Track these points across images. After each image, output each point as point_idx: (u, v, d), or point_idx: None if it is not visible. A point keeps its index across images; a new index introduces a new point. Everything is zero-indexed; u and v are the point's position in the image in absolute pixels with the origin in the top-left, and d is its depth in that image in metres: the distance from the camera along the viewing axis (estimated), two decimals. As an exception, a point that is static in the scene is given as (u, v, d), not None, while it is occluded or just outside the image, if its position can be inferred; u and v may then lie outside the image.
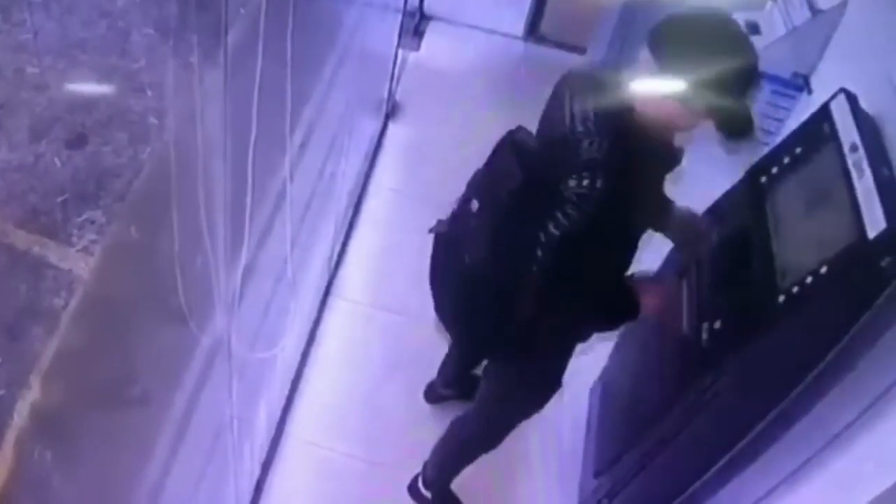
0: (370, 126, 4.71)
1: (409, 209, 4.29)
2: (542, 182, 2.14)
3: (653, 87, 2.08)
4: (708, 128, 2.13)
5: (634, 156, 2.07)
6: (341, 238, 4.15)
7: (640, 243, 2.34)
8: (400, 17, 4.76)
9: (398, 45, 4.92)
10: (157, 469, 2.34)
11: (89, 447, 2.01)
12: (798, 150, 2.52)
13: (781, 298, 2.20)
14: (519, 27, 5.78)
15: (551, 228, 2.09)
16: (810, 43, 3.16)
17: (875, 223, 2.03)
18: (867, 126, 2.33)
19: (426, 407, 3.58)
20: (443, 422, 3.12)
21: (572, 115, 2.16)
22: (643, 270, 2.66)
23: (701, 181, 2.60)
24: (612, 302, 2.41)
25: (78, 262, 3.11)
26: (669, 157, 2.24)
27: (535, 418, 3.00)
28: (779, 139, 2.91)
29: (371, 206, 4.45)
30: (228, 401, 2.47)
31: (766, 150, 2.82)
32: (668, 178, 2.37)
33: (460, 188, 2.47)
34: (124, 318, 2.08)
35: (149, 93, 3.71)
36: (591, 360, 3.35)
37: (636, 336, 3.13)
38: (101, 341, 2.08)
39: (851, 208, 2.12)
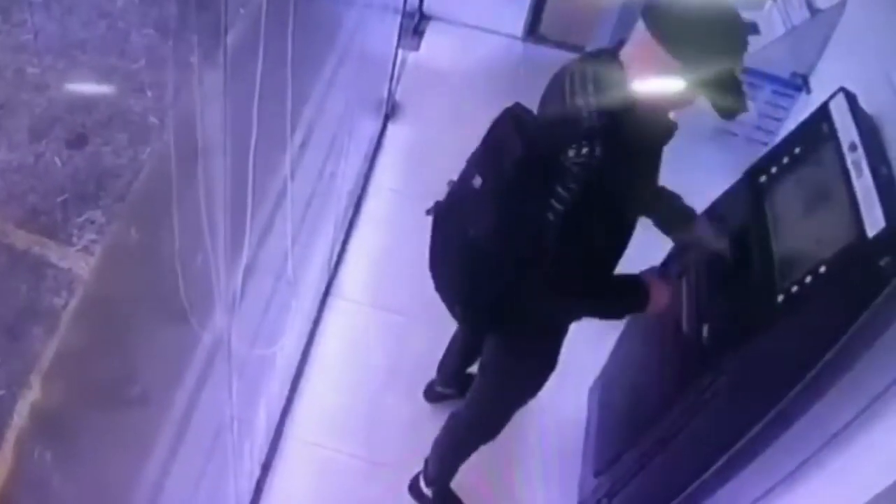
0: (370, 126, 4.72)
1: (409, 209, 4.27)
2: (542, 156, 2.16)
3: (646, 56, 2.09)
4: (701, 105, 2.15)
5: (632, 125, 2.09)
6: (341, 238, 4.16)
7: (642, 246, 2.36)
8: (399, 17, 4.76)
9: (398, 46, 4.92)
10: (157, 469, 2.34)
11: (89, 447, 2.01)
12: (797, 149, 2.52)
13: (780, 298, 2.20)
14: (518, 27, 5.79)
15: (554, 204, 2.12)
16: (809, 43, 3.17)
17: (874, 222, 2.03)
18: (866, 125, 2.34)
19: (426, 406, 3.58)
20: (442, 421, 3.12)
21: (571, 89, 2.19)
22: (652, 267, 2.68)
23: (700, 181, 2.61)
24: (622, 292, 2.43)
25: (78, 261, 3.11)
26: (665, 129, 2.25)
27: (536, 417, 3.01)
28: (778, 139, 2.92)
29: (371, 206, 4.46)
30: (228, 401, 2.47)
31: (765, 149, 2.82)
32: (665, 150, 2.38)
33: (460, 188, 2.48)
34: (124, 318, 2.08)
35: (149, 93, 3.72)
36: (590, 359, 3.36)
37: (635, 336, 3.13)
38: (102, 341, 2.08)
39: (850, 208, 2.13)
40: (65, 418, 2.01)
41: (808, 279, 2.14)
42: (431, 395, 3.58)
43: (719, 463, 2.54)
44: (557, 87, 2.27)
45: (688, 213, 2.63)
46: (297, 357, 3.63)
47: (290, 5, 2.17)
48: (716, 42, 2.05)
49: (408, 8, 5.04)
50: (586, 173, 2.07)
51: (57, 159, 3.53)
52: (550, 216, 2.13)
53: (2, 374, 2.60)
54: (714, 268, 2.57)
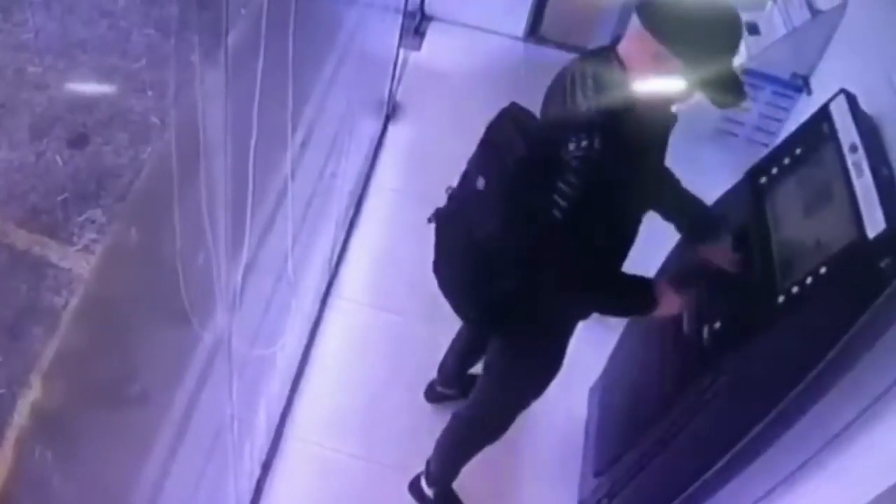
0: (371, 126, 4.72)
1: (410, 209, 4.28)
2: (544, 153, 2.17)
3: (642, 50, 2.12)
4: (701, 101, 2.16)
5: (631, 118, 2.11)
6: (342, 238, 4.16)
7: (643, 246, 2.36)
8: (401, 17, 4.76)
9: (399, 46, 4.92)
10: (158, 468, 2.34)
11: (90, 447, 2.01)
12: (798, 150, 2.52)
13: (781, 298, 2.20)
14: (519, 28, 5.79)
15: (557, 199, 2.13)
16: (810, 43, 3.17)
17: (874, 223, 2.03)
18: (867, 126, 2.34)
19: (427, 406, 3.58)
20: (443, 421, 3.12)
21: (571, 88, 2.21)
22: (669, 274, 2.68)
23: (701, 182, 2.60)
24: (629, 290, 2.43)
25: (78, 261, 3.10)
26: (664, 121, 2.26)
27: (537, 418, 3.01)
28: (778, 140, 2.92)
29: (372, 205, 4.46)
30: (229, 400, 2.47)
31: (765, 150, 2.82)
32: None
33: (461, 189, 2.48)
34: (125, 318, 2.07)
35: (150, 92, 3.71)
36: (591, 360, 3.36)
37: (636, 336, 3.13)
38: (102, 341, 2.07)
39: (851, 209, 2.13)
40: (65, 418, 2.00)
41: (809, 280, 2.14)
42: (432, 395, 3.58)
43: (720, 463, 2.54)
44: (558, 87, 2.29)
45: (698, 210, 2.63)
46: (298, 357, 3.63)
47: (292, 5, 2.17)
48: (709, 32, 2.08)
49: (409, 8, 5.04)
50: (586, 167, 2.08)
51: (58, 158, 3.53)
52: (556, 213, 2.14)
53: (2, 373, 2.59)
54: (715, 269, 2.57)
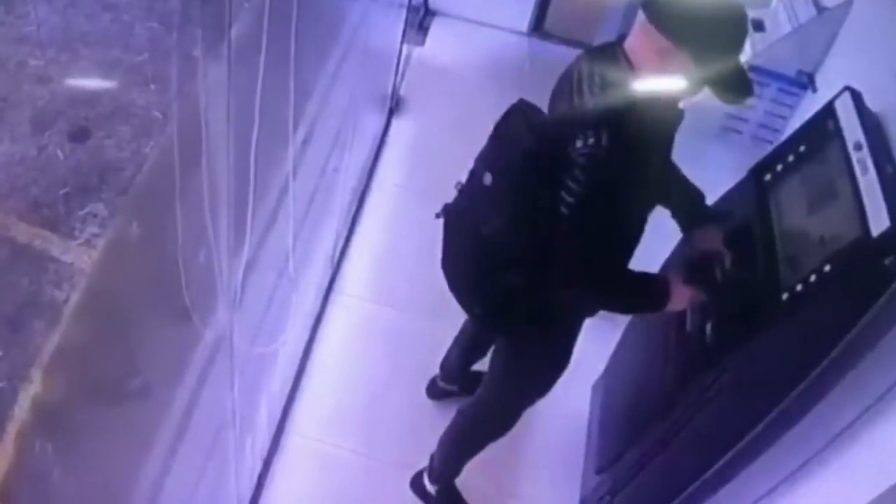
0: (374, 121, 4.71)
1: (413, 205, 4.28)
2: (552, 149, 2.17)
3: (648, 45, 2.11)
4: (707, 97, 2.16)
5: (638, 115, 2.10)
6: (345, 233, 4.15)
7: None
8: (404, 11, 4.75)
9: (403, 41, 4.91)
10: (159, 464, 2.34)
11: (90, 441, 2.01)
12: (802, 148, 2.51)
13: (785, 296, 2.20)
14: (524, 23, 5.78)
15: (565, 196, 2.13)
16: (815, 41, 3.16)
17: (879, 221, 2.03)
18: (872, 124, 2.33)
19: (428, 403, 3.57)
20: (445, 418, 3.12)
21: (578, 84, 2.21)
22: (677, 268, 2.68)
23: (705, 179, 2.60)
24: (639, 286, 2.42)
25: (80, 255, 3.10)
26: (671, 118, 2.25)
27: (539, 414, 3.00)
28: (783, 137, 2.91)
29: (375, 201, 4.45)
30: (230, 396, 2.47)
31: (770, 148, 2.81)
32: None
33: (464, 184, 2.47)
34: (126, 312, 2.07)
35: (152, 86, 3.71)
36: (594, 357, 3.35)
37: (639, 333, 3.13)
38: (103, 335, 2.07)
39: (855, 206, 2.12)
40: (66, 412, 2.00)
41: (813, 278, 2.13)
42: (434, 391, 3.58)
43: (722, 461, 2.54)
44: (565, 83, 2.28)
45: (703, 209, 2.63)
46: (299, 353, 3.62)
47: (294, -1, 2.16)
48: (716, 27, 2.07)
49: (413, 2, 5.03)
50: (593, 164, 2.08)
51: (59, 152, 3.53)
52: (563, 209, 2.14)
53: (3, 366, 2.59)
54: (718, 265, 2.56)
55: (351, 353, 3.75)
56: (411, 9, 4.99)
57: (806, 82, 3.22)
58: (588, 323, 2.65)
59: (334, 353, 3.73)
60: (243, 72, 1.85)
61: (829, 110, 2.46)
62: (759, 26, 3.22)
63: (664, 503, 2.83)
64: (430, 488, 3.24)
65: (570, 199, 2.13)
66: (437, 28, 5.72)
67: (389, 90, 4.92)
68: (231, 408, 2.51)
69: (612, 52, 2.20)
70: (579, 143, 2.09)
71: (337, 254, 4.03)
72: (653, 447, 2.71)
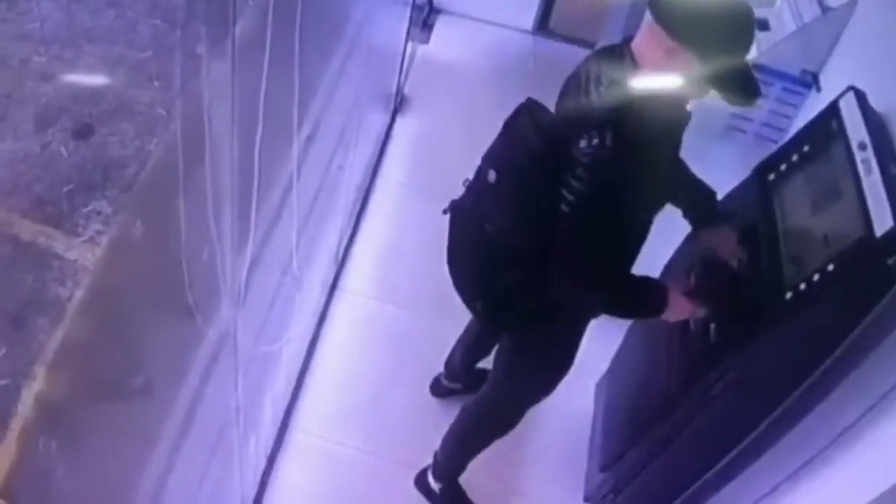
0: (378, 119, 4.71)
1: (417, 203, 4.28)
2: (557, 148, 2.17)
3: (655, 46, 2.11)
4: (713, 97, 2.16)
5: (643, 116, 2.09)
6: (349, 231, 4.15)
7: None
8: (409, 9, 4.75)
9: (407, 38, 4.91)
10: (163, 461, 2.34)
11: (94, 438, 2.01)
12: (806, 147, 2.51)
13: (788, 295, 2.20)
14: (528, 21, 5.78)
15: (566, 195, 2.14)
16: (820, 40, 3.15)
17: (883, 221, 2.03)
18: (876, 124, 2.33)
19: (432, 401, 3.58)
20: (448, 416, 3.12)
21: (585, 85, 2.21)
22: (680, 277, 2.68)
23: (709, 178, 2.60)
24: (638, 291, 2.42)
25: (84, 252, 3.10)
26: (677, 119, 2.25)
27: (543, 412, 3.00)
28: (787, 136, 2.90)
29: (379, 199, 4.45)
30: (234, 394, 2.47)
31: (774, 147, 2.81)
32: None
33: (469, 182, 2.48)
34: (130, 310, 2.07)
35: (156, 83, 3.70)
36: (597, 355, 3.35)
37: (643, 332, 3.13)
38: (107, 333, 2.08)
39: (859, 206, 2.13)
40: (69, 410, 2.01)
41: (816, 277, 2.13)
42: (438, 389, 3.58)
43: (725, 460, 2.54)
44: (573, 83, 2.28)
45: (715, 208, 2.62)
46: (304, 350, 3.62)
47: (299, -3, 2.17)
48: (723, 27, 2.07)
49: (417, 0, 5.03)
50: (597, 163, 2.08)
51: (63, 149, 3.52)
52: (564, 207, 2.14)
53: (6, 364, 2.59)
54: (722, 266, 2.56)
55: (355, 351, 3.75)
56: (416, 6, 4.99)
57: (810, 82, 3.22)
58: (592, 322, 2.65)
59: (338, 351, 3.73)
60: (247, 69, 1.85)
61: (833, 110, 2.46)
62: (763, 25, 3.21)
63: (667, 501, 2.83)
64: (435, 486, 3.24)
65: (571, 198, 2.13)
66: (441, 26, 5.72)
67: (394, 88, 4.92)
68: (235, 405, 2.51)
69: (620, 52, 2.20)
70: (583, 143, 2.09)
71: (341, 252, 4.04)
72: (656, 445, 2.71)
